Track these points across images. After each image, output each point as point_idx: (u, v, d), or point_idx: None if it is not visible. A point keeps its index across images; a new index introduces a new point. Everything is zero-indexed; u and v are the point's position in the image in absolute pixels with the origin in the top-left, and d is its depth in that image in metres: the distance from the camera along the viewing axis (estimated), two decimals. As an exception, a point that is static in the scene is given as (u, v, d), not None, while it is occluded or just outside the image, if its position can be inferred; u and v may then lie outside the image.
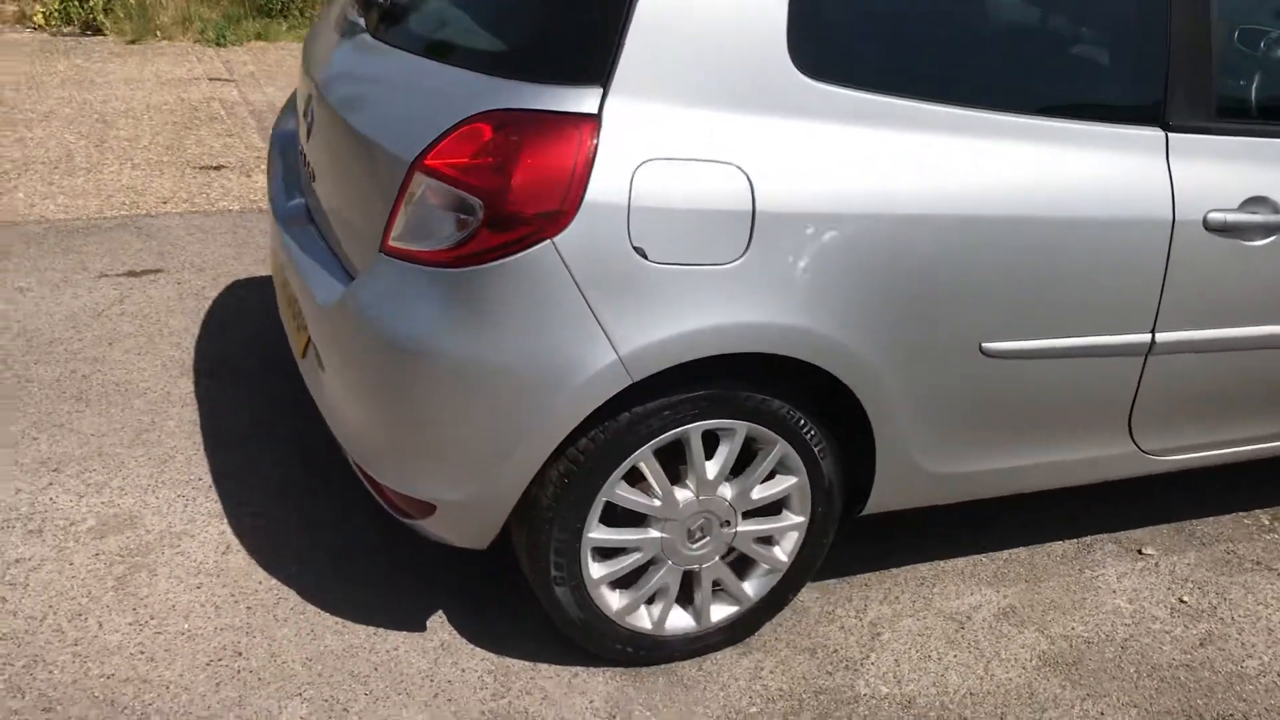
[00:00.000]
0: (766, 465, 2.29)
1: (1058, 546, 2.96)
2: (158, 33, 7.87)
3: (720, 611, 2.44)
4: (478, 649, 2.43)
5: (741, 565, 2.44)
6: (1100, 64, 2.39)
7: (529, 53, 2.06)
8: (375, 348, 2.11)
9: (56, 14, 7.89)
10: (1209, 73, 2.37)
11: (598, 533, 2.23)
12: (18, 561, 2.55)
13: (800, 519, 2.38)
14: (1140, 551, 2.96)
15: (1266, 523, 3.14)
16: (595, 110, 1.95)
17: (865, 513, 2.49)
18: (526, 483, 2.12)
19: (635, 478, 2.22)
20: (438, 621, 2.49)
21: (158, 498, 2.82)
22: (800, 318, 2.10)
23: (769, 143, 2.04)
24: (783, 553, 2.42)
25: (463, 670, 2.37)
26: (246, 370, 3.45)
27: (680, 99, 2.00)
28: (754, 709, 2.34)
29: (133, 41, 7.77)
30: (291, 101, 3.21)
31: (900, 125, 2.13)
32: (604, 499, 2.19)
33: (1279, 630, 2.69)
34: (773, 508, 2.38)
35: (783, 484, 2.33)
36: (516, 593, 2.53)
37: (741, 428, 2.22)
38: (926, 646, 2.55)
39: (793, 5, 2.03)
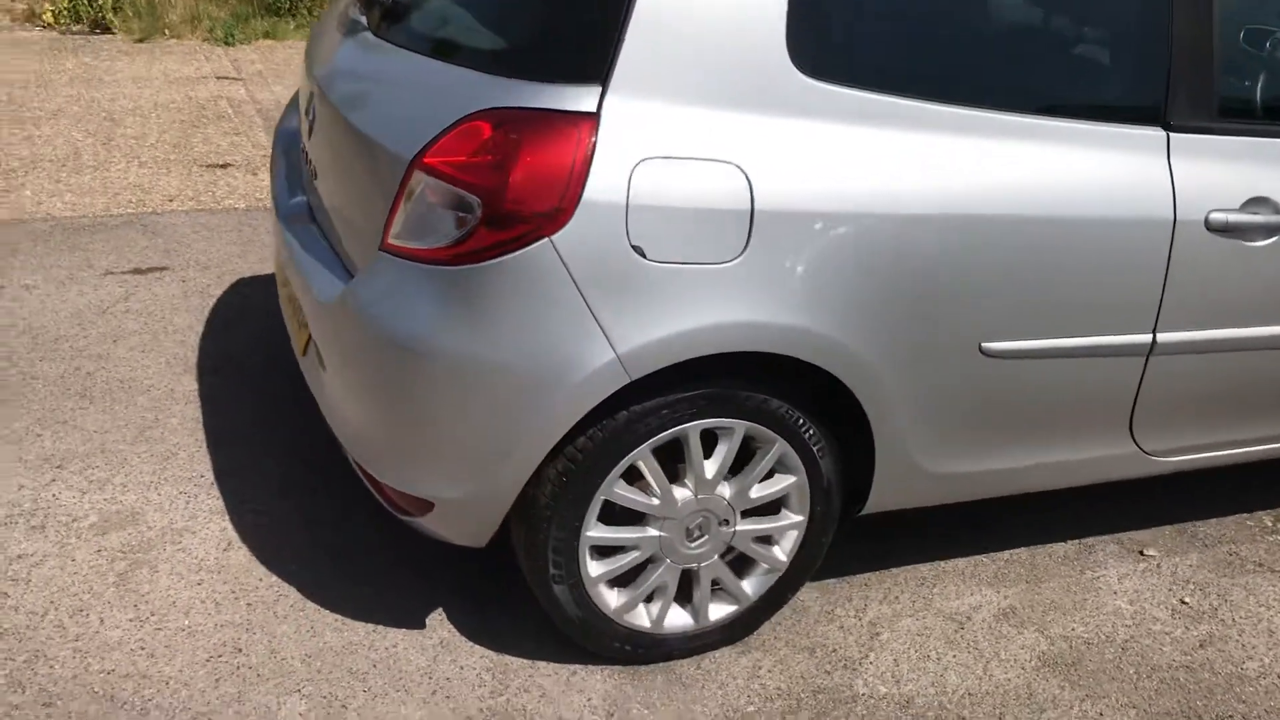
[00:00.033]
0: (765, 464, 2.29)
1: (1059, 547, 2.95)
2: (166, 31, 7.89)
3: (719, 610, 2.44)
4: (477, 647, 2.43)
5: (740, 564, 2.44)
6: (1101, 64, 2.38)
7: (529, 51, 2.06)
8: (374, 345, 2.11)
9: (66, 12, 7.93)
10: (1211, 73, 2.36)
11: (596, 531, 2.23)
12: (20, 557, 2.56)
13: (799, 518, 2.38)
14: (1142, 553, 2.96)
15: (1270, 524, 3.13)
16: (594, 109, 1.95)
17: (865, 512, 2.49)
18: (524, 481, 2.13)
19: (634, 476, 2.22)
20: (437, 619, 2.50)
21: (160, 494, 2.83)
22: (798, 317, 2.10)
23: (768, 142, 2.04)
24: (781, 552, 2.42)
25: (461, 668, 2.37)
26: (250, 368, 3.46)
27: (679, 98, 2.00)
28: (751, 707, 2.34)
29: (141, 40, 7.79)
30: (295, 99, 3.22)
31: (899, 125, 2.13)
32: (602, 497, 2.19)
33: (1280, 632, 2.69)
34: (772, 507, 2.38)
35: (781, 483, 2.33)
36: (516, 591, 2.53)
37: (740, 427, 2.22)
38: (925, 646, 2.55)
39: (792, 4, 2.02)
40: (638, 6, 1.95)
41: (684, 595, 2.41)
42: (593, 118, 1.95)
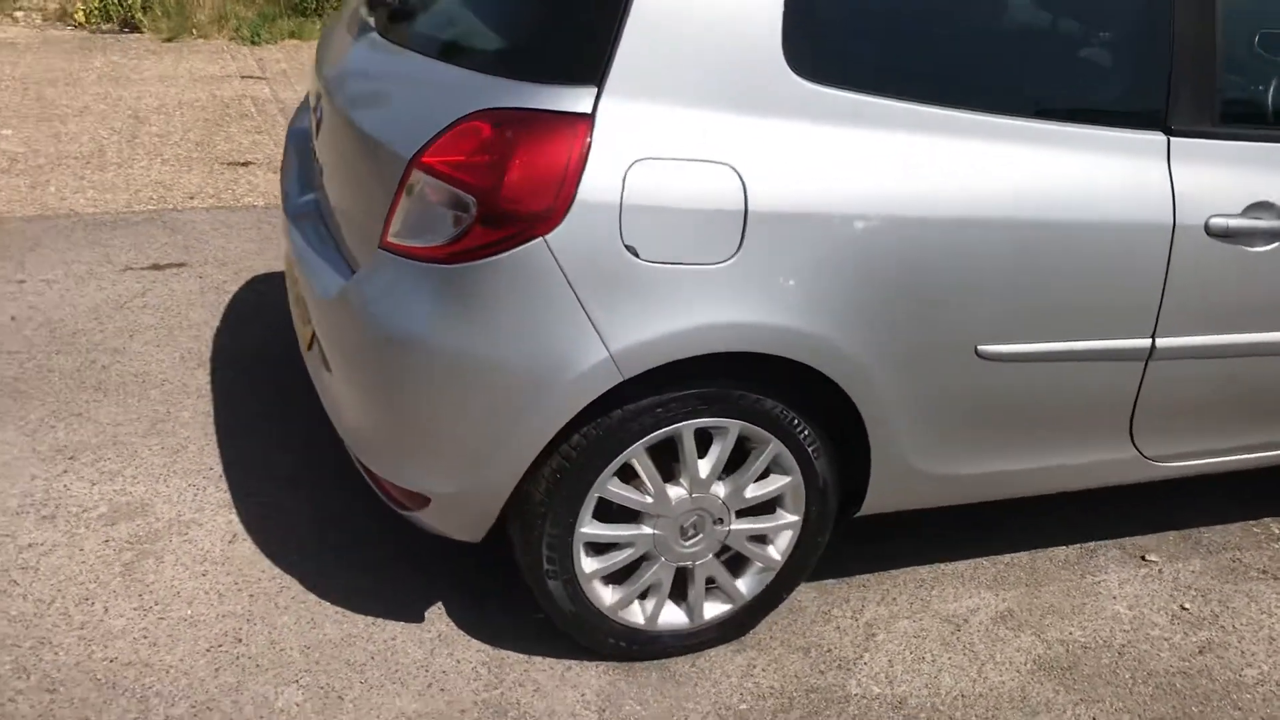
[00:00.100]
0: (760, 464, 2.30)
1: (1060, 551, 2.95)
2: (194, 30, 7.98)
3: (714, 609, 2.46)
4: (474, 640, 2.46)
5: (735, 563, 2.45)
6: (1101, 67, 2.38)
7: (526, 52, 2.09)
8: (372, 342, 2.15)
9: (96, 11, 8.03)
10: (1213, 77, 2.35)
11: (590, 528, 2.25)
12: (30, 546, 2.61)
13: (794, 518, 2.40)
14: (1144, 558, 2.95)
15: (1276, 531, 3.11)
16: (589, 110, 1.98)
17: (862, 513, 2.50)
18: (519, 477, 2.15)
19: (629, 474, 2.24)
20: (436, 613, 2.53)
21: (169, 486, 2.87)
22: (792, 318, 2.11)
23: (762, 143, 2.05)
24: (777, 551, 2.43)
25: (458, 661, 2.40)
26: (263, 363, 3.50)
27: (674, 99, 2.02)
28: (744, 705, 2.35)
29: (169, 39, 7.89)
30: (308, 99, 3.26)
31: (895, 127, 2.14)
32: (596, 495, 2.21)
33: (1281, 640, 2.68)
34: (767, 506, 2.39)
35: (776, 483, 2.35)
36: (515, 586, 2.55)
37: (734, 426, 2.23)
38: (921, 648, 2.55)
39: (788, 7, 2.04)
40: (634, 9, 1.97)
41: (679, 593, 2.43)
42: (588, 119, 1.97)
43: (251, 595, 2.52)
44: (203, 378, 3.40)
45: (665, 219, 2.00)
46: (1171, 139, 2.34)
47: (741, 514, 2.37)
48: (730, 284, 2.06)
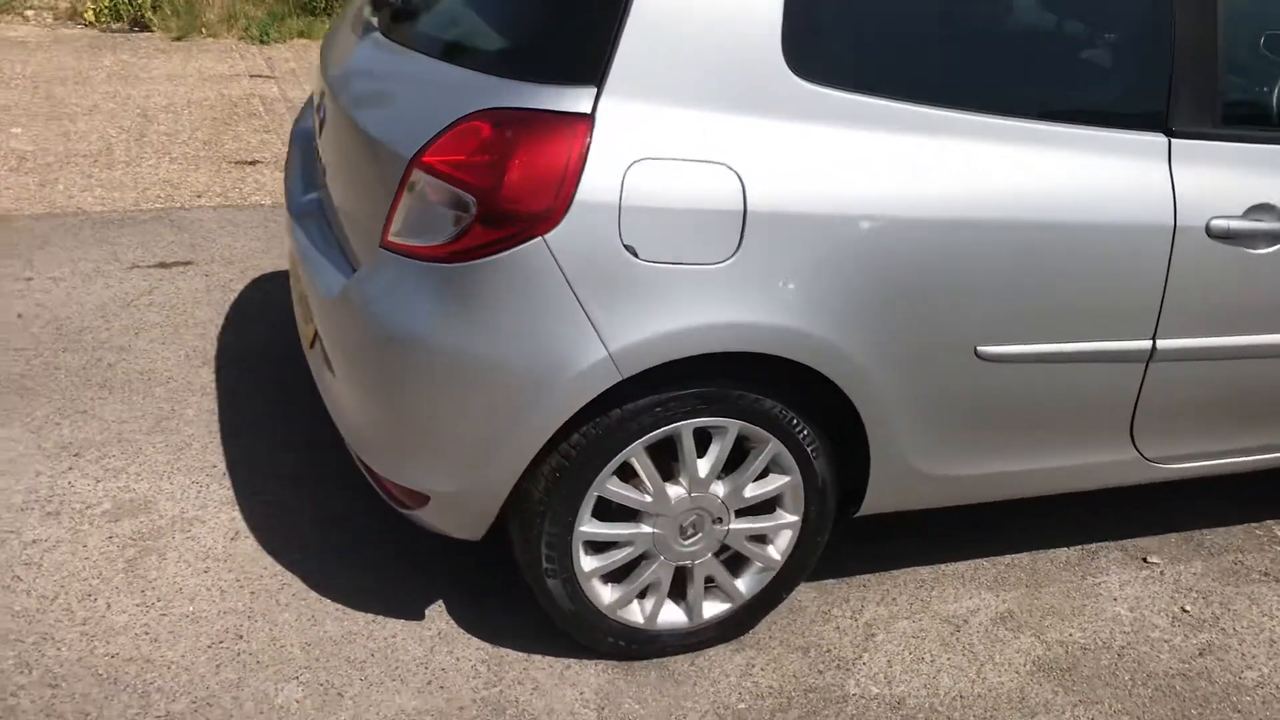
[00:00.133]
0: (759, 464, 2.31)
1: (1061, 552, 2.95)
2: (203, 30, 8.00)
3: (713, 608, 2.46)
4: (474, 639, 2.47)
5: (735, 562, 2.46)
6: (1101, 68, 2.38)
7: (527, 52, 2.10)
8: (373, 341, 2.16)
9: (106, 10, 8.05)
10: (1214, 78, 2.35)
11: (589, 526, 2.26)
12: (34, 542, 2.63)
13: (793, 518, 2.40)
14: (1145, 560, 2.95)
15: (1278, 534, 3.11)
16: (589, 110, 1.98)
17: (862, 513, 2.50)
18: (518, 476, 2.16)
19: (629, 473, 2.25)
20: (436, 611, 2.54)
21: (173, 484, 2.89)
22: (791, 318, 2.12)
23: (762, 144, 2.06)
24: (776, 551, 2.44)
25: (457, 659, 2.41)
26: (268, 362, 3.52)
27: (674, 100, 2.02)
28: (742, 705, 2.36)
29: (179, 38, 7.91)
30: (312, 98, 3.27)
31: (895, 128, 2.14)
32: (595, 493, 2.22)
33: (1282, 642, 2.68)
34: (766, 506, 2.40)
35: (775, 483, 2.35)
36: (515, 585, 2.55)
37: (733, 426, 2.24)
38: (920, 649, 2.56)
39: (788, 7, 2.04)
40: (634, 9, 1.98)
41: (678, 592, 2.43)
42: (587, 119, 1.98)
43: (253, 592, 2.54)
44: (207, 376, 3.41)
45: (665, 219, 2.01)
46: (1172, 140, 2.34)
47: (741, 513, 2.38)
48: (729, 284, 2.06)
